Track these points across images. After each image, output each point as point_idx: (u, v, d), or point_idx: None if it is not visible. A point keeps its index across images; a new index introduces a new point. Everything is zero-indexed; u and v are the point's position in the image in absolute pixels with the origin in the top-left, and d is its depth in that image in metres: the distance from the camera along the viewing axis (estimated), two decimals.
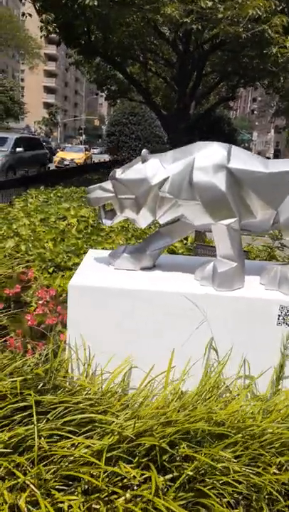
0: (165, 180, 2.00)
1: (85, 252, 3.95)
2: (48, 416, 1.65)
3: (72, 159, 23.89)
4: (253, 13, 7.19)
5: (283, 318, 1.98)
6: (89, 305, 1.99)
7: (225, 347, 1.99)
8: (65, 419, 1.60)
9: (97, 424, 1.61)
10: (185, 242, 4.21)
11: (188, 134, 14.33)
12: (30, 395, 1.69)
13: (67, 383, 1.86)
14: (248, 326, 1.99)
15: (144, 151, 2.05)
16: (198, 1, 7.24)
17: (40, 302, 2.47)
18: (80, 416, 1.60)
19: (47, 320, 2.08)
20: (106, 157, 29.41)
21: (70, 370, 1.98)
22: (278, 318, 1.98)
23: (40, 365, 1.91)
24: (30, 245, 4.01)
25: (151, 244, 2.25)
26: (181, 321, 1.99)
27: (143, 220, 2.10)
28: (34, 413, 1.60)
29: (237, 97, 28.29)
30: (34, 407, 1.61)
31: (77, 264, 3.74)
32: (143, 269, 2.24)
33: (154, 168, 2.02)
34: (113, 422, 1.59)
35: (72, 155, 24.89)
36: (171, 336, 2.00)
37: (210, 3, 7.27)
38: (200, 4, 7.16)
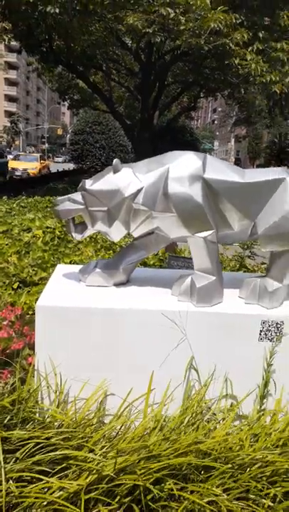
0: (139, 191, 1.89)
1: (53, 266, 3.77)
2: (17, 454, 1.48)
3: (24, 169, 20.84)
4: (215, 26, 7.28)
5: (265, 334, 1.90)
6: (59, 326, 1.83)
7: (206, 366, 1.88)
8: (37, 458, 1.44)
9: (72, 461, 1.46)
10: (156, 253, 4.10)
11: (153, 143, 14.37)
12: None
13: (37, 415, 1.70)
14: (228, 342, 1.89)
15: (115, 160, 1.93)
16: (159, 9, 7.23)
17: (5, 323, 2.28)
18: (52, 454, 1.44)
19: (13, 345, 1.91)
20: (71, 166, 28.96)
21: (39, 399, 1.81)
22: (260, 334, 1.90)
23: (6, 395, 1.73)
24: None
25: (124, 258, 2.12)
26: (159, 340, 1.87)
27: (116, 233, 1.97)
28: (0, 452, 1.43)
29: (198, 108, 28.82)
30: (0, 445, 1.44)
31: (44, 279, 3.56)
32: (116, 284, 2.11)
33: (127, 179, 1.90)
34: (90, 458, 1.44)
35: (25, 164, 21.46)
36: (149, 357, 1.87)
37: (172, 14, 7.30)
38: (161, 12, 7.15)
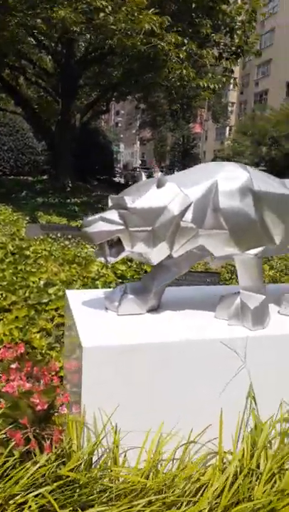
0: (188, 207, 1.69)
1: (22, 288, 3.36)
2: None
3: None
4: (148, 28, 7.22)
5: None
6: (111, 369, 1.56)
7: (265, 393, 1.75)
8: None
9: None
10: (130, 264, 3.88)
11: (70, 145, 13.89)
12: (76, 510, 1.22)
13: (110, 480, 1.41)
14: (285, 365, 1.79)
15: (160, 174, 1.71)
16: (92, 2, 6.93)
17: (13, 366, 1.90)
18: None
19: (59, 399, 1.56)
20: None
21: (94, 458, 1.52)
22: None
23: (56, 464, 1.41)
24: None
25: (155, 280, 1.90)
26: (216, 371, 1.69)
27: (157, 254, 1.74)
28: None
29: (108, 110, 28.81)
30: None
31: (14, 303, 3.14)
32: (149, 311, 1.89)
33: (173, 195, 1.69)
34: None
35: None
36: (207, 390, 1.68)
37: (102, 14, 7.07)
38: (95, 4, 6.84)
